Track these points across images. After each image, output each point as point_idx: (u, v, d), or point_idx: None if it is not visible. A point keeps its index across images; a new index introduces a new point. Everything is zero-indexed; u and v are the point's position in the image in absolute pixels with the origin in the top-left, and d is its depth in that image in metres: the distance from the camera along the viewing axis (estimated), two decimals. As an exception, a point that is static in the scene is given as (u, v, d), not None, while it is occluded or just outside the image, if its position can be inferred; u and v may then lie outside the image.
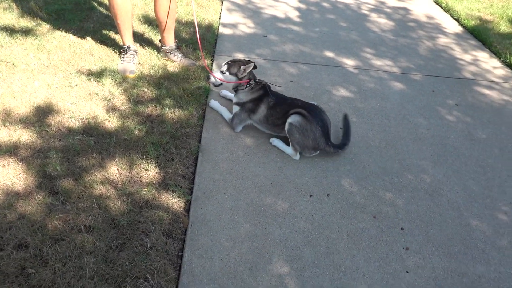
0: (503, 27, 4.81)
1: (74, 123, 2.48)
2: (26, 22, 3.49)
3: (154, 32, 3.67)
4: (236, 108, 2.61)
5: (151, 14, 3.94)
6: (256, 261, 1.86)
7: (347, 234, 2.06)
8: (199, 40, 2.95)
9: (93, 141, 2.35)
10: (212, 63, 3.37)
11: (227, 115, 2.70)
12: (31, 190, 2.02)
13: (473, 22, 4.90)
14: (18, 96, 2.61)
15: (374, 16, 4.91)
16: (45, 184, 2.06)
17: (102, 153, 2.29)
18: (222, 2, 4.63)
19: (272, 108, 2.50)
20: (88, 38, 3.37)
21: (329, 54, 3.81)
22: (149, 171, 2.23)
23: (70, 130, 2.42)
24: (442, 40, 4.46)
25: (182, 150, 2.40)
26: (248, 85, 2.54)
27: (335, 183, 2.36)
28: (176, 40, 3.26)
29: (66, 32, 3.41)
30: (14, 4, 3.77)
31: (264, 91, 2.54)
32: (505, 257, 2.06)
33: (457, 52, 4.20)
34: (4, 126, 2.37)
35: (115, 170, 2.21)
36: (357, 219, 2.15)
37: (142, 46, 3.39)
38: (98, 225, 1.90)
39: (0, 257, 1.70)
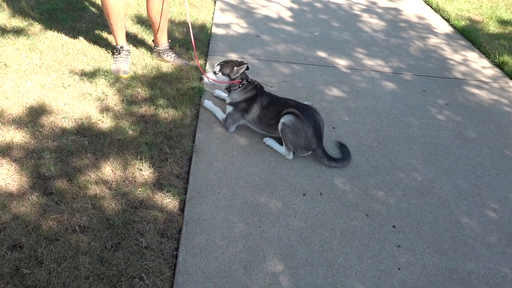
0: (492, 28, 4.88)
1: (68, 124, 2.47)
2: (17, 22, 3.47)
3: (147, 32, 3.66)
4: (229, 108, 2.62)
5: (144, 14, 3.94)
6: (251, 259, 1.88)
7: (340, 232, 2.09)
8: (193, 40, 2.95)
9: (87, 142, 2.35)
10: (206, 63, 3.37)
11: (221, 115, 2.71)
12: (25, 191, 2.01)
13: (463, 23, 4.96)
14: (10, 96, 2.60)
15: (366, 17, 4.96)
16: (39, 185, 2.06)
17: (96, 153, 2.29)
18: (215, 2, 4.64)
19: (265, 108, 2.52)
20: (81, 38, 3.36)
21: (322, 54, 3.84)
22: (144, 171, 2.24)
23: (64, 131, 2.41)
24: (433, 40, 4.52)
25: (176, 150, 2.41)
26: (240, 85, 2.56)
27: (328, 182, 2.38)
28: (169, 40, 3.26)
29: (58, 32, 3.40)
30: (4, 3, 3.74)
31: (256, 91, 2.56)
32: (494, 254, 2.10)
33: (447, 52, 4.26)
34: (-3, 126, 2.36)
35: (109, 170, 2.21)
36: (350, 217, 2.18)
37: (135, 46, 3.39)
38: (93, 225, 1.90)
39: (-5, 258, 1.70)
